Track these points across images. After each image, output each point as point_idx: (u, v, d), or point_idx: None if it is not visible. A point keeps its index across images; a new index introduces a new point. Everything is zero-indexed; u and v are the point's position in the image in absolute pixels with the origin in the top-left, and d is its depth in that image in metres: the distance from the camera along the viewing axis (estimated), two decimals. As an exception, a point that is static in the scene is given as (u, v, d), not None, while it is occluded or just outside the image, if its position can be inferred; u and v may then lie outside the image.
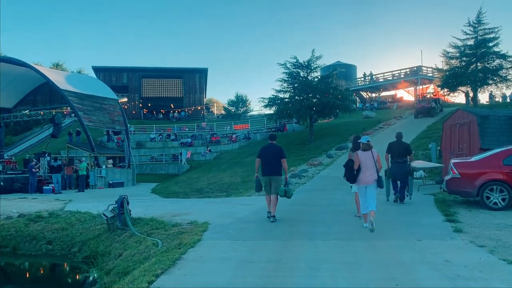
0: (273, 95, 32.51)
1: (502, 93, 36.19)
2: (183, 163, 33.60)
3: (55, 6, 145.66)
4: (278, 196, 9.28)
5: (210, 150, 36.27)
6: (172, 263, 6.23)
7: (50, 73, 28.41)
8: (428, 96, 37.26)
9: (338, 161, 21.66)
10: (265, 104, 33.16)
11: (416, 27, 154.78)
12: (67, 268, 9.86)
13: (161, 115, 52.59)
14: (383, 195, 12.12)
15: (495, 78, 30.52)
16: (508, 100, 37.41)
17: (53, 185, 21.56)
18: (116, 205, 10.02)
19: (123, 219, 9.80)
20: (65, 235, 10.88)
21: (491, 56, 30.79)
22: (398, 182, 11.48)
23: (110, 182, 25.17)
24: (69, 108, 38.31)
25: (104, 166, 26.18)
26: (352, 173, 8.45)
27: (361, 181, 8.33)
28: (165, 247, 7.44)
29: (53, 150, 31.39)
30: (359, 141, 8.56)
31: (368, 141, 8.44)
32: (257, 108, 60.45)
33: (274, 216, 9.26)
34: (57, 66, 61.98)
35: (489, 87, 31.92)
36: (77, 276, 9.21)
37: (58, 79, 26.49)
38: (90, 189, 23.76)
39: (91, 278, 8.42)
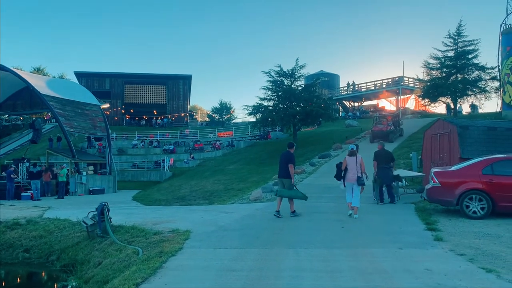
0: (257, 103, 32.65)
1: (475, 104, 36.70)
2: (165, 170, 33.34)
3: (37, 10, 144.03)
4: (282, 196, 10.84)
5: (193, 157, 36.09)
6: (152, 271, 6.15)
7: (31, 77, 27.98)
8: (387, 117, 30.41)
9: (321, 169, 21.75)
10: (249, 111, 33.27)
11: (398, 38, 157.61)
12: (45, 277, 9.65)
13: (144, 121, 52.20)
14: (370, 202, 12.24)
15: (474, 89, 31.14)
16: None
17: (31, 191, 21.13)
18: (96, 212, 9.88)
19: (103, 227, 9.65)
20: (43, 242, 10.66)
21: (470, 67, 31.41)
22: (384, 189, 12.71)
23: (91, 189, 24.81)
24: (49, 114, 37.75)
25: (84, 173, 25.80)
26: (339, 173, 10.82)
27: (347, 179, 10.56)
28: (145, 256, 7.34)
29: (32, 156, 30.87)
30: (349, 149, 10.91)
31: (352, 148, 10.84)
32: (241, 115, 60.54)
33: (294, 212, 10.72)
34: (38, 70, 61.04)
35: (469, 98, 32.49)
36: (55, 285, 9.02)
37: (38, 83, 26.10)
38: (70, 196, 23.37)
39: (69, 287, 8.25)
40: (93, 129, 27.88)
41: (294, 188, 10.84)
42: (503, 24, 30.34)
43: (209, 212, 12.73)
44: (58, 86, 27.82)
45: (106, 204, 10.00)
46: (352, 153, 10.62)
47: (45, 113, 40.02)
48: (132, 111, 52.03)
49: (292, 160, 10.79)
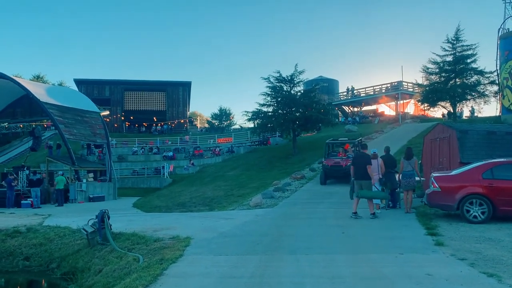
0: (256, 108, 32.66)
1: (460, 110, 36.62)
2: (165, 177, 33.31)
3: (36, 18, 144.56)
4: (364, 198, 11.08)
5: (193, 164, 36.07)
6: (153, 279, 6.13)
7: (30, 85, 28.05)
8: (345, 145, 22.34)
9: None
10: (248, 117, 33.29)
11: (397, 43, 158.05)
12: (45, 285, 9.62)
13: (144, 128, 52.21)
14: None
15: (473, 94, 31.19)
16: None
17: (31, 199, 21.10)
18: (96, 219, 9.85)
19: (104, 234, 9.63)
20: (43, 250, 10.63)
21: (469, 72, 31.45)
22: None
23: (91, 196, 24.75)
24: (49, 121, 37.76)
25: (84, 180, 25.77)
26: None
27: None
28: (146, 263, 7.32)
29: (32, 164, 30.83)
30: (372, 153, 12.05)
31: (374, 152, 12.17)
32: (240, 121, 60.49)
33: (373, 214, 10.96)
34: (37, 78, 61.14)
35: (468, 102, 32.54)
36: (55, 293, 8.98)
37: (38, 91, 26.16)
38: (70, 203, 23.34)
39: (69, 295, 8.22)
40: (93, 136, 27.90)
41: (375, 188, 11.18)
42: (501, 29, 30.51)
43: (209, 218, 12.71)
44: (57, 94, 27.88)
45: (106, 211, 9.98)
46: (374, 156, 11.95)
47: (45, 120, 40.00)
48: (132, 118, 52.06)
49: (370, 161, 11.18)
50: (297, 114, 31.01)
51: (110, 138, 30.39)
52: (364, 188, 10.97)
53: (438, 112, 38.18)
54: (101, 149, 34.87)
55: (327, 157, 20.67)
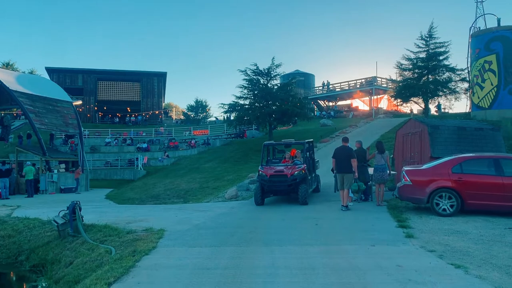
0: (233, 101, 32.58)
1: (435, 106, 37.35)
2: (139, 169, 32.91)
3: (8, 4, 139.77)
4: (349, 191, 11.27)
5: (167, 156, 35.74)
6: (125, 271, 6.08)
7: (-1, 72, 27.14)
8: (291, 150, 15.23)
9: (296, 168, 21.84)
10: (225, 110, 33.17)
11: (372, 39, 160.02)
12: (14, 278, 9.39)
13: (117, 119, 51.34)
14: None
15: (444, 90, 31.89)
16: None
17: (0, 190, 20.52)
18: (67, 211, 9.68)
19: (75, 226, 9.47)
20: (11, 242, 10.39)
21: (441, 69, 32.13)
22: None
23: (62, 187, 24.27)
24: (19, 110, 36.71)
25: (56, 171, 25.21)
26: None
27: None
28: (118, 255, 7.24)
29: (0, 154, 29.96)
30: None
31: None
32: (217, 113, 60.22)
33: (346, 206, 11.15)
34: (7, 65, 59.24)
35: (439, 99, 33.23)
36: (24, 286, 8.79)
37: (7, 79, 25.34)
38: (40, 194, 22.81)
39: (39, 288, 8.06)
40: (65, 126, 27.27)
41: (356, 181, 11.39)
42: (472, 27, 31.28)
43: (184, 210, 12.65)
44: (28, 82, 27.06)
45: (78, 202, 9.82)
46: None
47: (15, 109, 38.94)
48: (105, 108, 51.11)
49: (354, 155, 11.38)
50: (274, 108, 31.10)
51: (82, 129, 29.76)
52: (345, 181, 11.18)
53: (412, 107, 38.94)
54: (73, 139, 34.16)
55: (266, 164, 13.88)
